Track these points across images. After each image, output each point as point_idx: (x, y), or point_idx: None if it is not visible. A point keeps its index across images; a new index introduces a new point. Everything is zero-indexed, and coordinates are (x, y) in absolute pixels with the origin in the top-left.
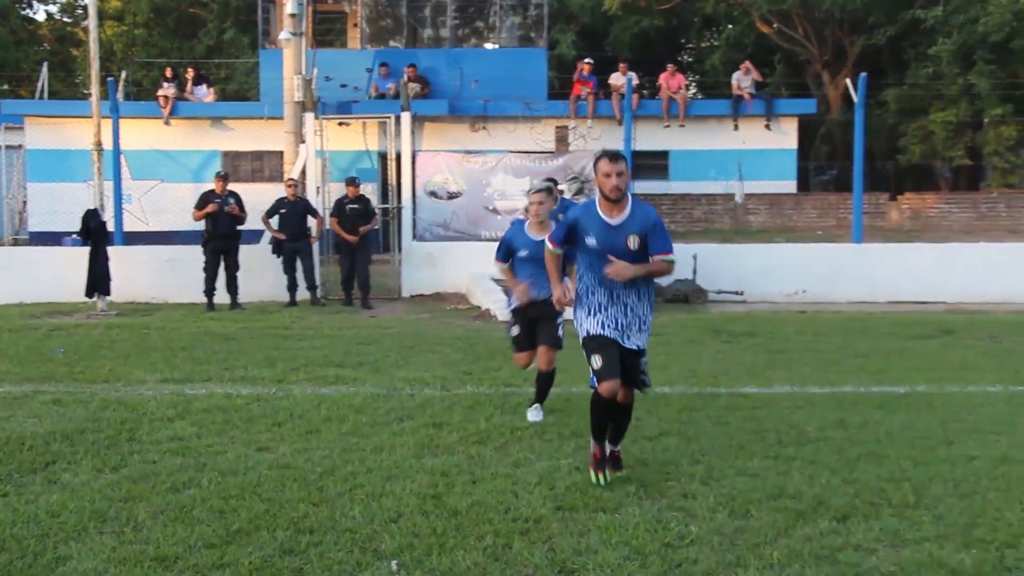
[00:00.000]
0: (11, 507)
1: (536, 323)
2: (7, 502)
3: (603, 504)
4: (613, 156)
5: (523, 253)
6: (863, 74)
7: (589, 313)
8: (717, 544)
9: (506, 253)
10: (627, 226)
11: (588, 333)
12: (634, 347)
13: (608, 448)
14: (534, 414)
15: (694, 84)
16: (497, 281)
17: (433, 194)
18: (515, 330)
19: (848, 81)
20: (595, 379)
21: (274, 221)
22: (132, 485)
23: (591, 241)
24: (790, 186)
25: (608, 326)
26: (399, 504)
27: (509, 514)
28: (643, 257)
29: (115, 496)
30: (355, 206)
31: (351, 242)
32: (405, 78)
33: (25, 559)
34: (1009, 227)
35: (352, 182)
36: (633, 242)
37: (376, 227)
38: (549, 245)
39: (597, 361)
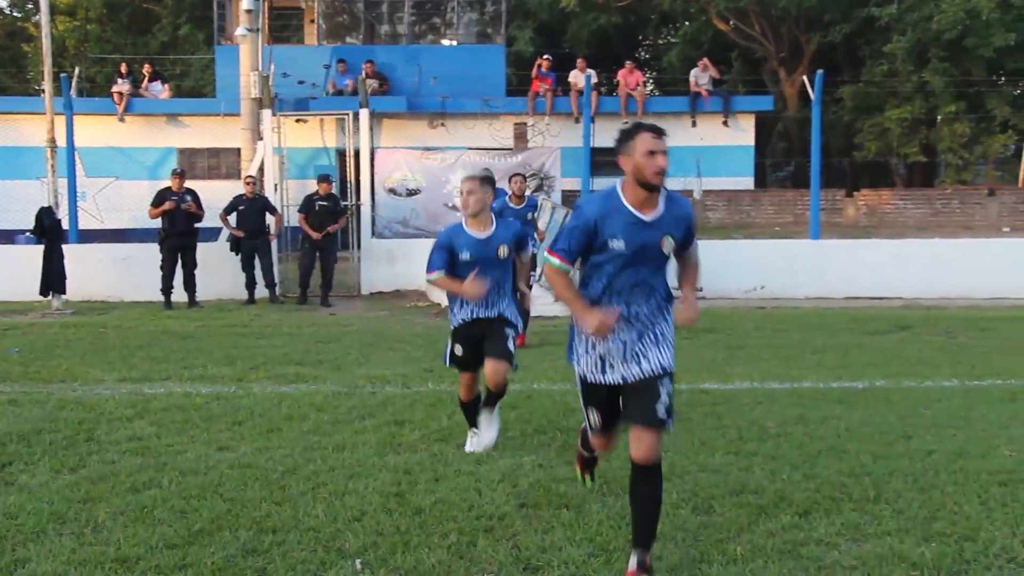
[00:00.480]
0: None
1: (481, 340)
2: None
3: (566, 501)
4: (658, 131)
5: (465, 256)
6: (820, 71)
7: (586, 348)
8: (681, 540)
9: (446, 259)
10: (663, 223)
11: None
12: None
13: (634, 559)
14: (481, 438)
15: (651, 81)
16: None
17: (392, 191)
18: (458, 349)
19: (805, 78)
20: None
21: (232, 218)
22: (91, 486)
23: (617, 244)
24: (748, 183)
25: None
26: (362, 502)
27: (473, 512)
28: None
29: (74, 497)
30: (325, 203)
31: (317, 240)
32: (363, 74)
33: None
34: (963, 223)
35: (325, 179)
36: (668, 245)
37: (342, 225)
38: (554, 260)
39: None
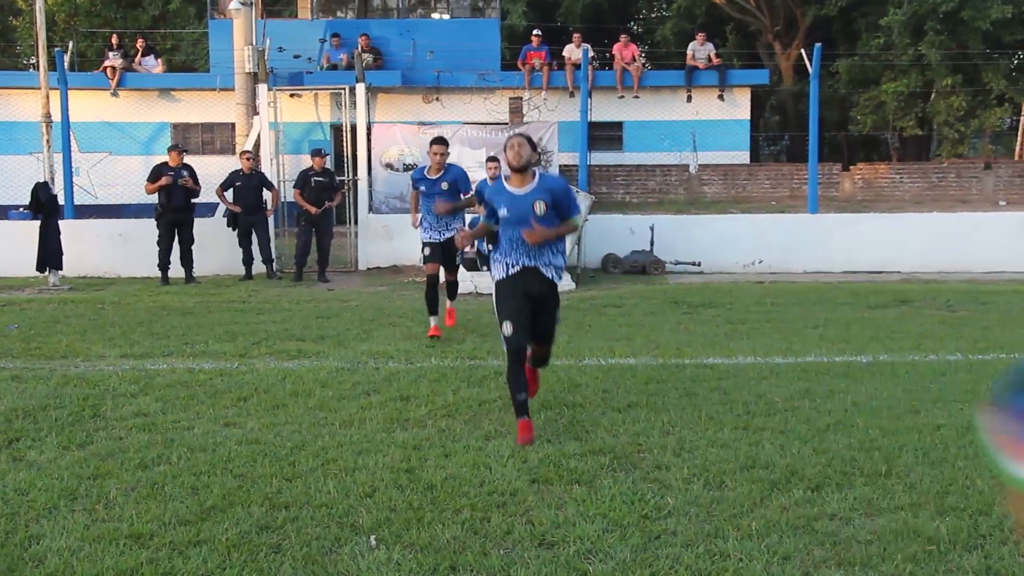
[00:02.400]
0: None
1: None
2: None
3: (577, 476)
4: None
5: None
6: (818, 45)
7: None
8: (694, 515)
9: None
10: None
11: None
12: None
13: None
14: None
15: (644, 55)
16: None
17: (389, 166)
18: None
19: (803, 51)
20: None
21: (228, 194)
22: (100, 462)
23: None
24: (743, 156)
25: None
26: (373, 479)
27: (484, 487)
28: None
29: (84, 473)
30: (321, 179)
31: (313, 215)
32: (359, 48)
33: None
34: (959, 197)
35: (318, 153)
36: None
37: (340, 201)
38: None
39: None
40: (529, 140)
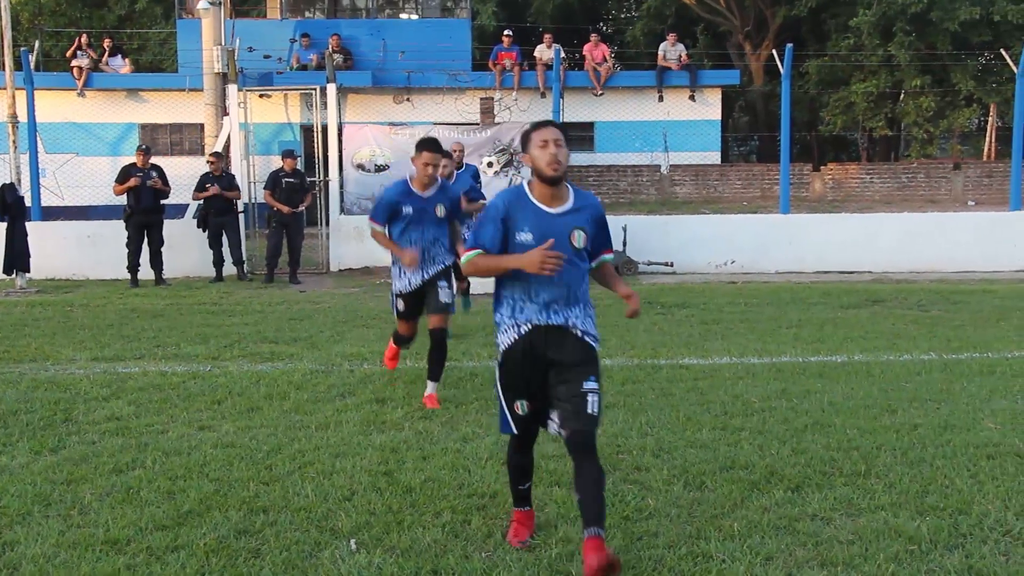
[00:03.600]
0: None
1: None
2: None
3: (557, 478)
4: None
5: (407, 209)
6: (789, 45)
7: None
8: (675, 516)
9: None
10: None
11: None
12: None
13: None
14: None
15: (614, 55)
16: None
17: (361, 167)
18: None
19: (774, 52)
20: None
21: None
22: (73, 467)
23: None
24: (714, 157)
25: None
26: (351, 482)
27: (463, 490)
28: None
29: (57, 479)
30: (292, 180)
31: (285, 215)
32: (329, 49)
33: None
34: (928, 197)
35: (289, 155)
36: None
37: (310, 203)
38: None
39: None
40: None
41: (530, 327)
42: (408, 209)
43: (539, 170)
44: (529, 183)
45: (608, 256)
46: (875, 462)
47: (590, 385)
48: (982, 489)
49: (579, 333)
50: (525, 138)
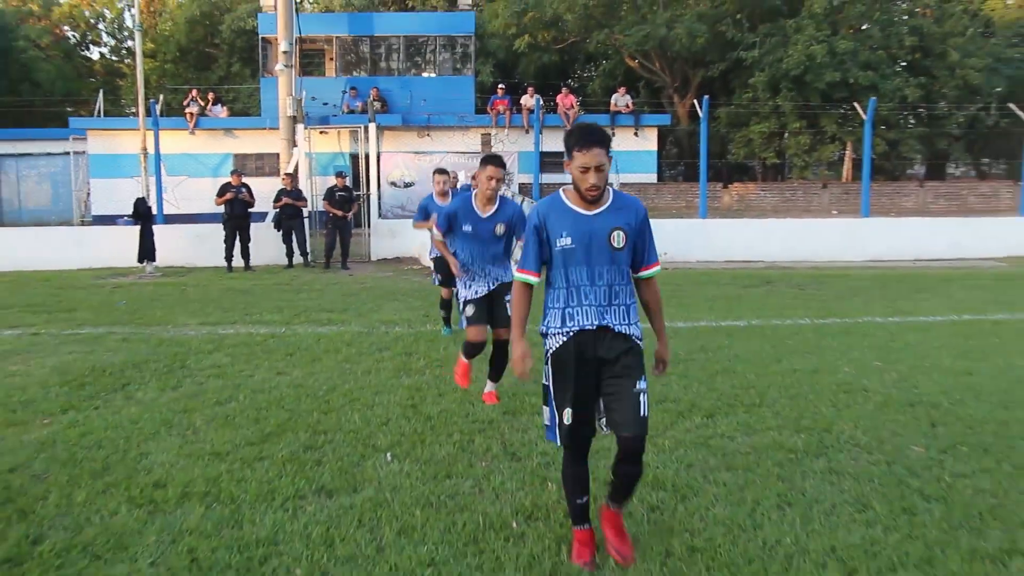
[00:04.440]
0: (103, 417)
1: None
2: (99, 413)
3: (538, 409)
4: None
5: (467, 227)
6: (706, 97)
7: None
8: None
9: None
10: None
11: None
12: None
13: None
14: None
15: (579, 103)
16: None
17: (393, 184)
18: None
19: (695, 102)
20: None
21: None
22: (188, 400)
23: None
24: (652, 177)
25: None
26: (387, 412)
27: (469, 418)
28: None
29: (176, 408)
30: (343, 193)
31: (338, 219)
32: (371, 98)
33: (117, 454)
34: (804, 208)
35: (340, 175)
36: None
37: (356, 210)
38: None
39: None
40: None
41: (578, 330)
42: (468, 227)
43: (578, 189)
44: (565, 190)
45: (652, 271)
46: (766, 396)
47: (641, 386)
48: (840, 415)
49: (625, 333)
50: (568, 148)
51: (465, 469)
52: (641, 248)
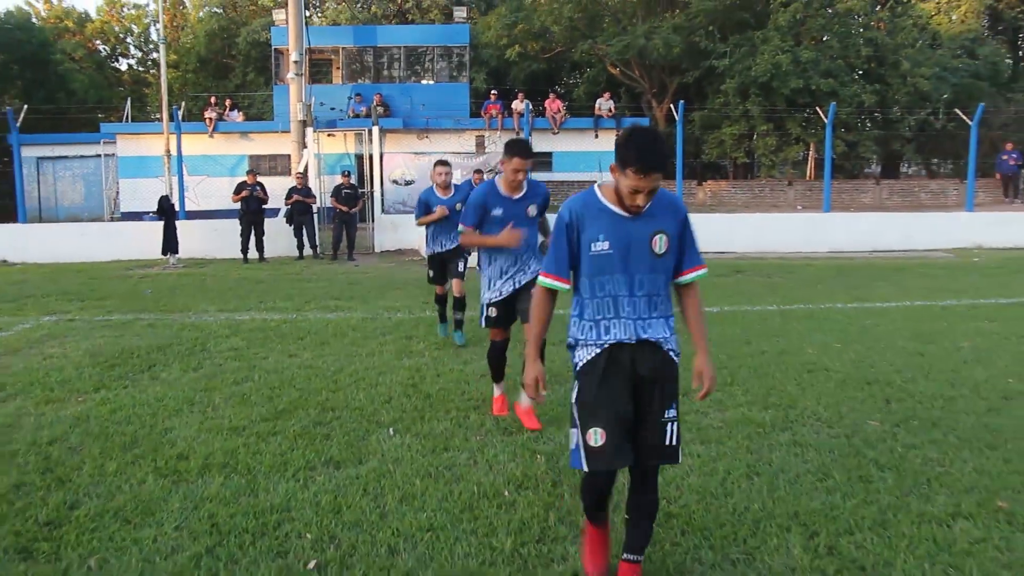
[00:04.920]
0: (131, 395)
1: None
2: (128, 392)
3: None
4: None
5: (497, 212)
6: (681, 101)
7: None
8: None
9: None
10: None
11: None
12: None
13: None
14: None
15: (566, 107)
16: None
17: (395, 182)
18: (492, 311)
19: (671, 106)
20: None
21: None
22: (208, 380)
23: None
24: None
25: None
26: (390, 391)
27: (465, 396)
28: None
29: (197, 387)
30: (348, 190)
31: (344, 214)
32: (374, 103)
33: (145, 429)
34: (771, 203)
35: (346, 174)
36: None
37: (361, 206)
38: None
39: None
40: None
41: (613, 342)
42: (498, 211)
43: (618, 194)
44: (602, 187)
45: (694, 275)
46: (737, 375)
47: (671, 414)
48: (804, 392)
49: (663, 348)
50: (623, 161)
51: (461, 443)
52: (683, 250)
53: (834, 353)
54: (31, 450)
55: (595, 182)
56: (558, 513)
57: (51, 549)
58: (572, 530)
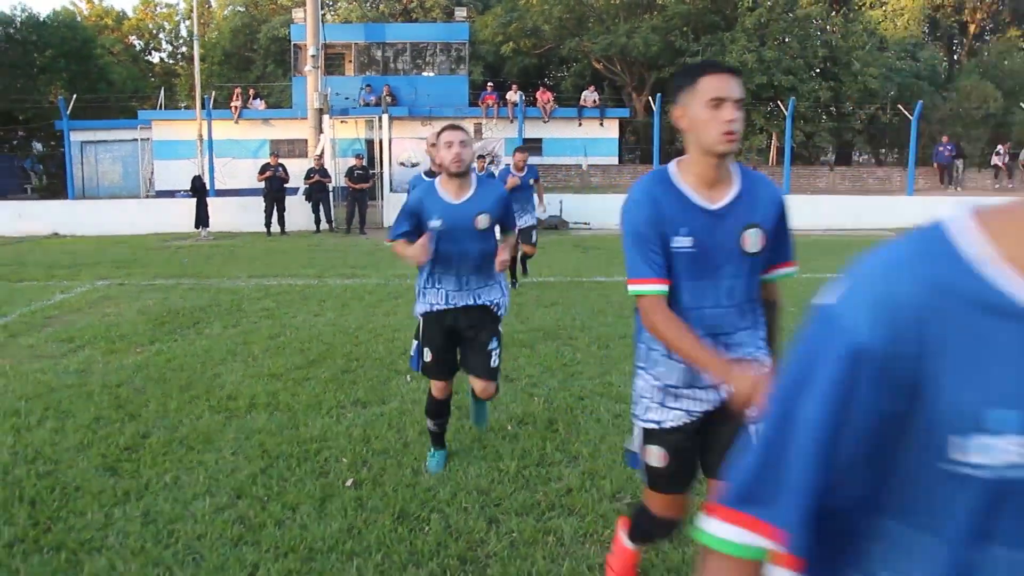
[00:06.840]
0: (181, 347)
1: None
2: (179, 344)
3: (523, 342)
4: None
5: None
6: (659, 94)
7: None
8: (593, 364)
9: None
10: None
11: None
12: None
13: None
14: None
15: (555, 98)
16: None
17: (402, 164)
18: (426, 354)
19: (650, 98)
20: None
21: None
22: (246, 336)
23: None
24: (614, 160)
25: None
26: (405, 344)
27: None
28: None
29: (238, 341)
30: (360, 171)
31: (357, 192)
32: (383, 93)
33: (196, 374)
34: None
35: (358, 156)
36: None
37: (371, 185)
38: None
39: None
40: None
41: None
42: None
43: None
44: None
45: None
46: None
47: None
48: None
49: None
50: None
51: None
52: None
53: (791, 317)
54: (104, 391)
55: (581, 165)
56: (553, 443)
57: (132, 468)
58: (566, 456)
